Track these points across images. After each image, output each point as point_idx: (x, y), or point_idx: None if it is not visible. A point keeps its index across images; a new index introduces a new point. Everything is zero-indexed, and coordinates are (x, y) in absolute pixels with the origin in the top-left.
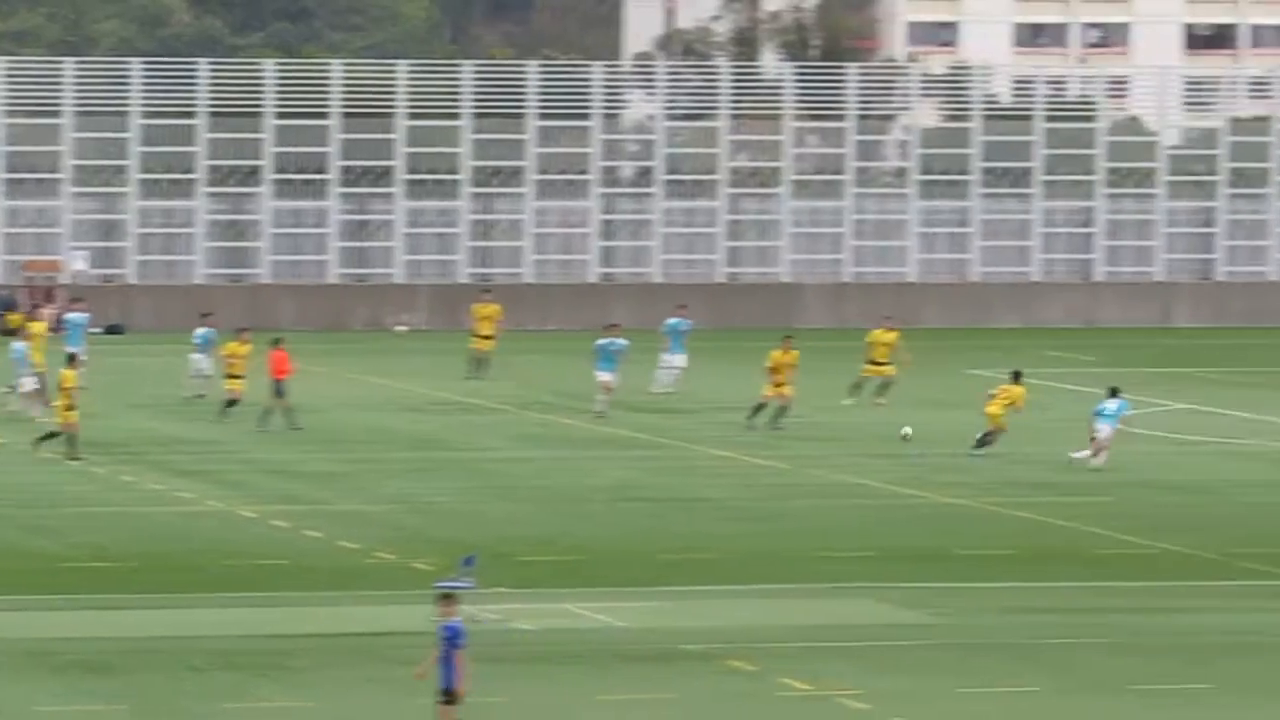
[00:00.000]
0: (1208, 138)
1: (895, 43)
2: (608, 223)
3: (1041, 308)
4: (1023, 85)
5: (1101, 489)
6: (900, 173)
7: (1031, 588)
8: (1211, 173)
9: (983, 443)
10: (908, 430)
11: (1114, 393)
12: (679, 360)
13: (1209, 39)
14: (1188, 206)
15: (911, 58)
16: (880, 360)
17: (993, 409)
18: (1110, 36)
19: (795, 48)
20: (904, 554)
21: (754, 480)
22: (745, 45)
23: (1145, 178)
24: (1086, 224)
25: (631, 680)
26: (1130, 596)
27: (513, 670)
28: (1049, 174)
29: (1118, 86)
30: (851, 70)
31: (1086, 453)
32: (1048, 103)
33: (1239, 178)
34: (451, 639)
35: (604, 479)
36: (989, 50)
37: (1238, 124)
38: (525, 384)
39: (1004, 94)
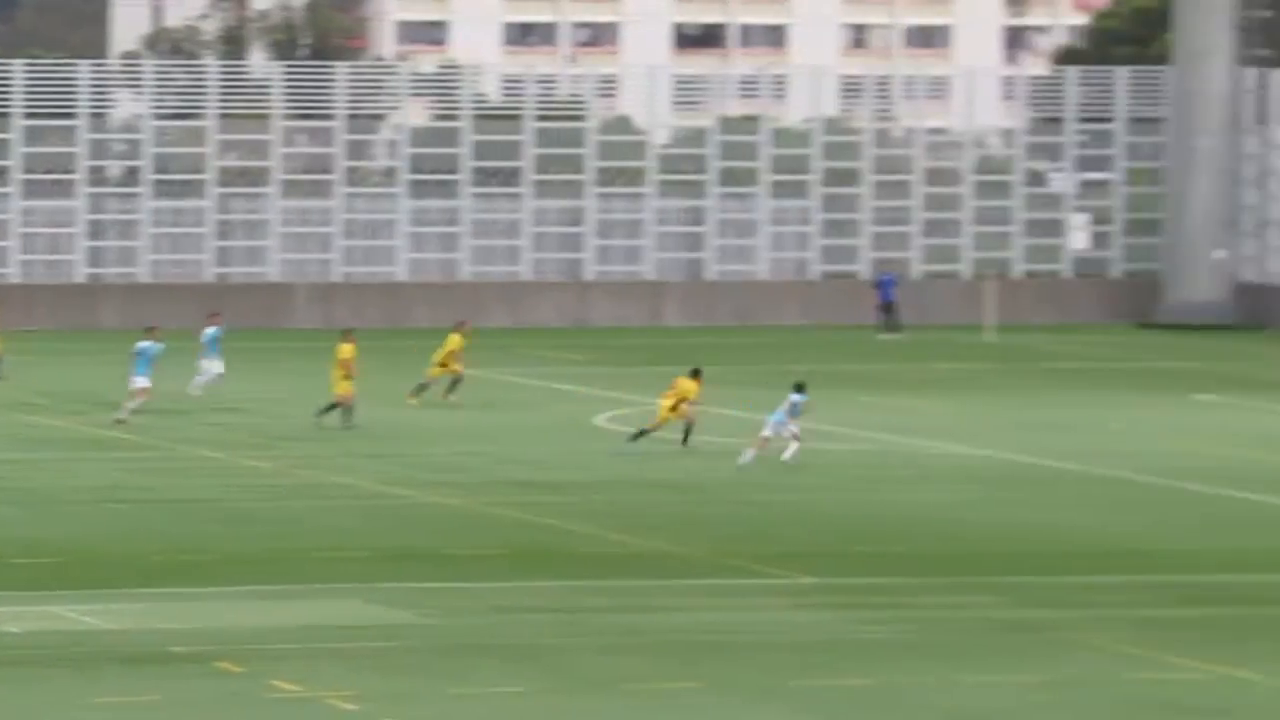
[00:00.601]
0: (697, 137)
1: (385, 42)
2: (95, 222)
3: (532, 307)
4: (512, 84)
5: (594, 488)
6: (390, 172)
7: (523, 587)
8: (701, 172)
9: (679, 436)
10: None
11: (799, 388)
12: (217, 366)
13: (698, 38)
14: (677, 206)
15: (401, 57)
16: (448, 362)
17: (666, 403)
18: (600, 36)
19: (284, 47)
20: (393, 554)
21: (244, 480)
22: (234, 44)
23: (635, 177)
24: (576, 223)
25: (119, 683)
26: (623, 596)
27: None
28: (539, 173)
29: (607, 86)
30: (340, 69)
31: (753, 452)
32: (537, 102)
33: (729, 177)
34: None
35: (91, 480)
36: (479, 49)
37: (727, 123)
38: (12, 385)
39: (494, 93)
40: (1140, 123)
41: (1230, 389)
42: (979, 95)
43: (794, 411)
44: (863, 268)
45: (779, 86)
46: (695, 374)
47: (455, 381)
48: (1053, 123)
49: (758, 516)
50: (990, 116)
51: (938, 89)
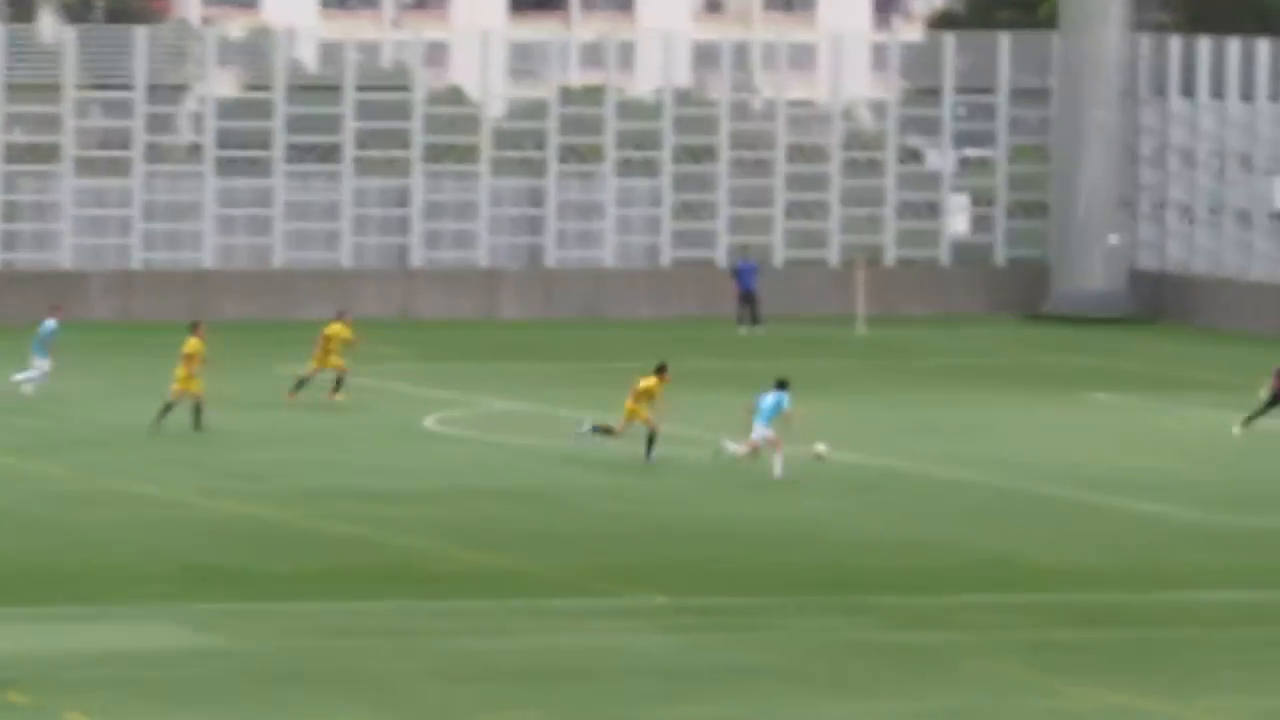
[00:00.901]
0: (536, 110)
1: (189, 4)
2: None
3: (353, 298)
4: (331, 52)
5: (426, 498)
6: (195, 149)
7: (351, 609)
8: (540, 149)
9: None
10: (822, 449)
11: (781, 385)
12: (44, 364)
13: (536, 1)
14: (514, 186)
15: (207, 20)
16: (334, 353)
17: (631, 404)
18: None
19: (76, 9)
20: (204, 571)
21: (37, 489)
22: (20, 6)
23: (467, 154)
24: (402, 205)
25: None
26: (464, 618)
27: None
28: (360, 150)
29: (436, 53)
30: (140, 34)
31: (739, 448)
32: (359, 71)
33: (570, 154)
34: None
35: None
36: (293, 13)
37: (568, 94)
38: None
39: (310, 61)
40: (1025, 94)
41: (1125, 387)
42: (847, 64)
43: (759, 414)
44: (720, 254)
45: (626, 54)
46: (660, 370)
47: (309, 377)
48: (928, 94)
49: (609, 530)
50: (859, 87)
51: (801, 57)
